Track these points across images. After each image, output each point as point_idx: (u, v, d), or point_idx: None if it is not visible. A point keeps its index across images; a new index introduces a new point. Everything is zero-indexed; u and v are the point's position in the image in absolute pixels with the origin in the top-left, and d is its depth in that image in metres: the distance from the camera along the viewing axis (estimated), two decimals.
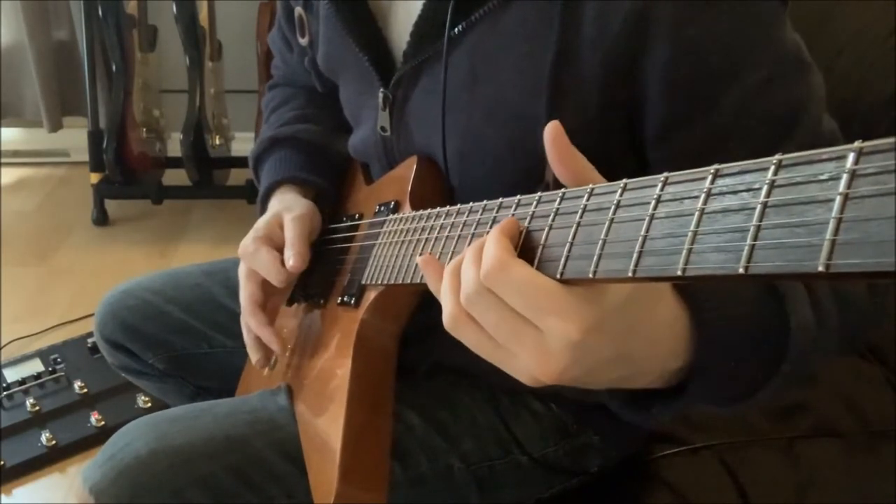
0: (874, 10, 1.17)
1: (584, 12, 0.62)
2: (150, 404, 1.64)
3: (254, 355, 0.85)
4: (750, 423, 1.03)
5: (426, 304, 0.74)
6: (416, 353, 0.78)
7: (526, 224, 0.49)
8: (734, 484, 0.93)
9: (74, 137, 2.57)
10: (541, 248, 0.47)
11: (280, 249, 0.81)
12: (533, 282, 0.44)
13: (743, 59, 0.61)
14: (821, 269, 0.30)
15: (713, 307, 0.50)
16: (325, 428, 0.73)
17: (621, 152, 0.67)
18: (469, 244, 0.55)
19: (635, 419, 0.55)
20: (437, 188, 0.75)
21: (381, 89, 0.77)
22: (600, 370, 0.47)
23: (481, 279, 0.46)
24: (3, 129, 2.70)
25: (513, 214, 0.52)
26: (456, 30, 0.68)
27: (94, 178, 2.35)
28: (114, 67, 2.27)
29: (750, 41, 0.61)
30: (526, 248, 0.48)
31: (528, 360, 0.46)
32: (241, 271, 0.84)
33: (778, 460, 0.98)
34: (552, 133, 0.47)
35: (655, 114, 0.64)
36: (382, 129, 0.79)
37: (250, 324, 0.83)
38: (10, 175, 2.70)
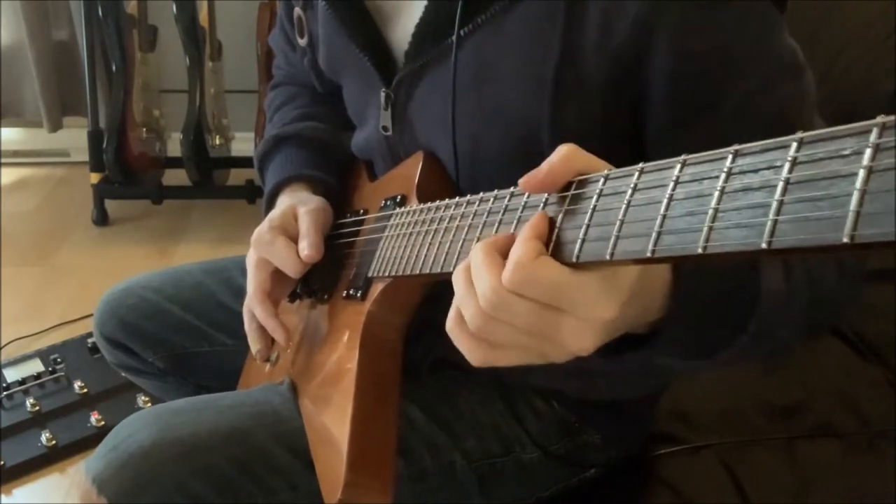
0: (874, 10, 1.18)
1: (588, 17, 0.63)
2: (149, 404, 1.64)
3: (255, 345, 0.85)
4: (750, 423, 1.03)
5: (430, 299, 0.74)
6: (419, 349, 0.79)
7: (539, 210, 0.50)
8: (734, 484, 0.93)
9: (74, 137, 2.57)
10: (555, 233, 0.47)
11: (295, 240, 0.81)
12: (560, 280, 0.46)
13: (742, 67, 0.63)
14: (845, 240, 0.30)
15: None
16: (332, 421, 0.73)
17: (626, 152, 0.67)
18: (480, 234, 0.56)
19: (609, 366, 0.58)
20: (443, 183, 0.75)
21: (383, 89, 0.77)
22: (620, 330, 0.51)
23: (507, 282, 0.47)
24: (3, 129, 2.70)
25: (525, 203, 0.52)
26: (461, 32, 0.69)
27: (94, 178, 2.35)
28: (114, 67, 2.27)
29: (749, 50, 0.63)
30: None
31: (567, 342, 0.47)
32: (251, 260, 0.83)
33: (778, 460, 0.98)
34: (523, 188, 0.50)
35: (655, 117, 0.65)
36: (384, 128, 0.79)
37: (257, 312, 0.83)
38: (10, 175, 2.70)
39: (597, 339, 0.47)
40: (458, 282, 0.51)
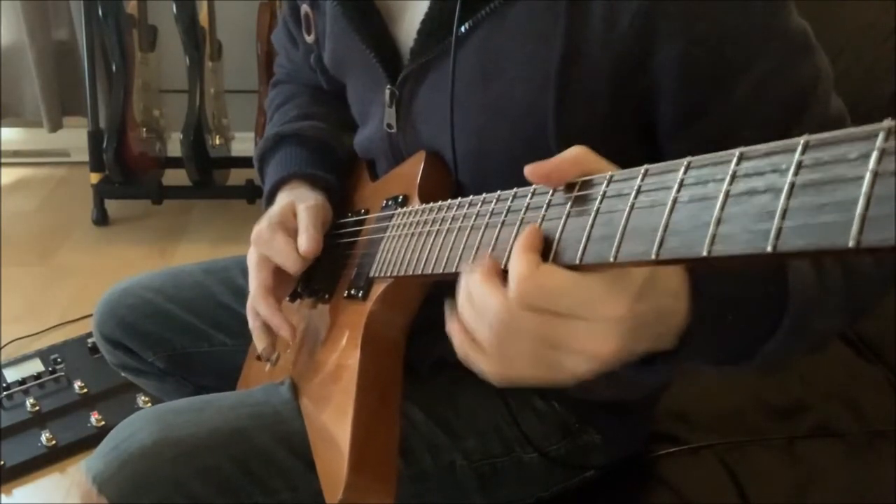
0: (874, 10, 1.18)
1: (592, 10, 0.63)
2: (149, 404, 1.64)
3: (260, 343, 0.84)
4: (750, 423, 1.03)
5: (431, 299, 0.74)
6: (420, 349, 0.79)
7: (542, 212, 0.49)
8: (734, 484, 0.93)
9: (74, 137, 2.57)
10: (558, 235, 0.47)
11: (294, 236, 0.81)
12: (565, 285, 0.46)
13: (753, 50, 0.62)
14: (851, 245, 0.30)
15: None
16: (334, 421, 0.73)
17: (633, 144, 0.67)
18: (482, 235, 0.56)
19: (642, 377, 0.56)
20: (445, 183, 0.75)
21: (388, 86, 0.78)
22: (644, 333, 0.49)
23: (514, 298, 0.47)
24: (3, 129, 2.70)
25: (528, 204, 0.52)
26: (463, 28, 0.69)
27: (94, 178, 2.35)
28: (114, 67, 2.27)
29: (759, 31, 0.62)
30: (544, 238, 0.49)
31: (585, 347, 0.47)
32: (252, 258, 0.83)
33: (778, 460, 0.98)
34: (528, 175, 0.50)
35: (668, 108, 0.65)
36: (389, 126, 0.80)
37: (261, 310, 0.82)
38: (10, 175, 2.70)
39: (615, 341, 0.46)
40: (465, 310, 0.51)
